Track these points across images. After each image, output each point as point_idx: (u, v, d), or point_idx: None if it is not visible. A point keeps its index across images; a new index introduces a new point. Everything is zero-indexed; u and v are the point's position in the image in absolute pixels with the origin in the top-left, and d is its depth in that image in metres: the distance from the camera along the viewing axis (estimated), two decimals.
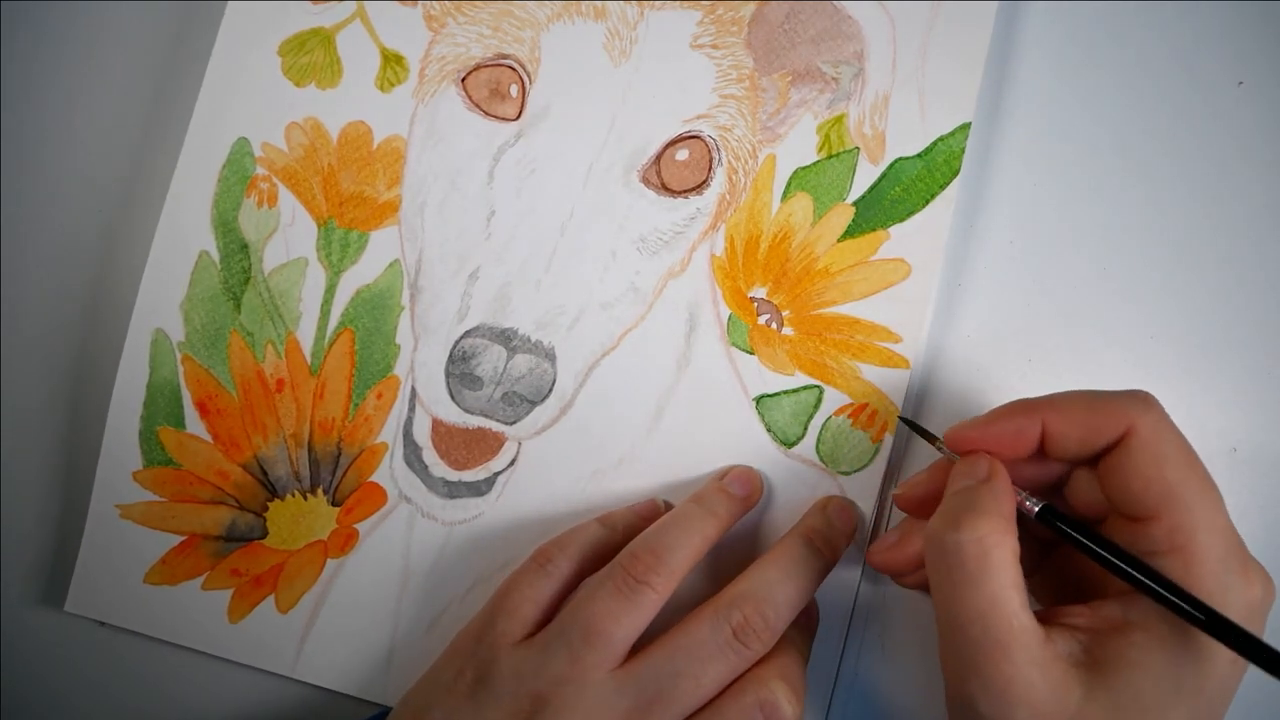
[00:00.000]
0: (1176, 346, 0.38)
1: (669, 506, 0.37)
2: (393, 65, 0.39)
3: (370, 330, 0.38)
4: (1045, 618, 0.29)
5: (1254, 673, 0.28)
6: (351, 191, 0.38)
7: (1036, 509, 0.31)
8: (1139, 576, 0.28)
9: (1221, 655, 0.28)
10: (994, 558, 0.28)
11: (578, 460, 0.38)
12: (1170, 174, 0.38)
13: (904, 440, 0.37)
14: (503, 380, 0.37)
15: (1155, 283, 0.38)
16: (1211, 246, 0.38)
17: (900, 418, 0.37)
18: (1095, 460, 0.31)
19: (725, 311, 0.38)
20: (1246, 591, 0.28)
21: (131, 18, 0.41)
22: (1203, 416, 0.37)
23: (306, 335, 0.38)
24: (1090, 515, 0.32)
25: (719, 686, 0.32)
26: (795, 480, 0.37)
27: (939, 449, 0.34)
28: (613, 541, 0.35)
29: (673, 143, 0.38)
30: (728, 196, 0.38)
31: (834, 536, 0.35)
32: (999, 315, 0.38)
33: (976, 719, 0.28)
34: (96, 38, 0.41)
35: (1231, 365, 0.37)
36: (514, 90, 0.38)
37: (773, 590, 0.33)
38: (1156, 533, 0.29)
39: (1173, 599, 0.28)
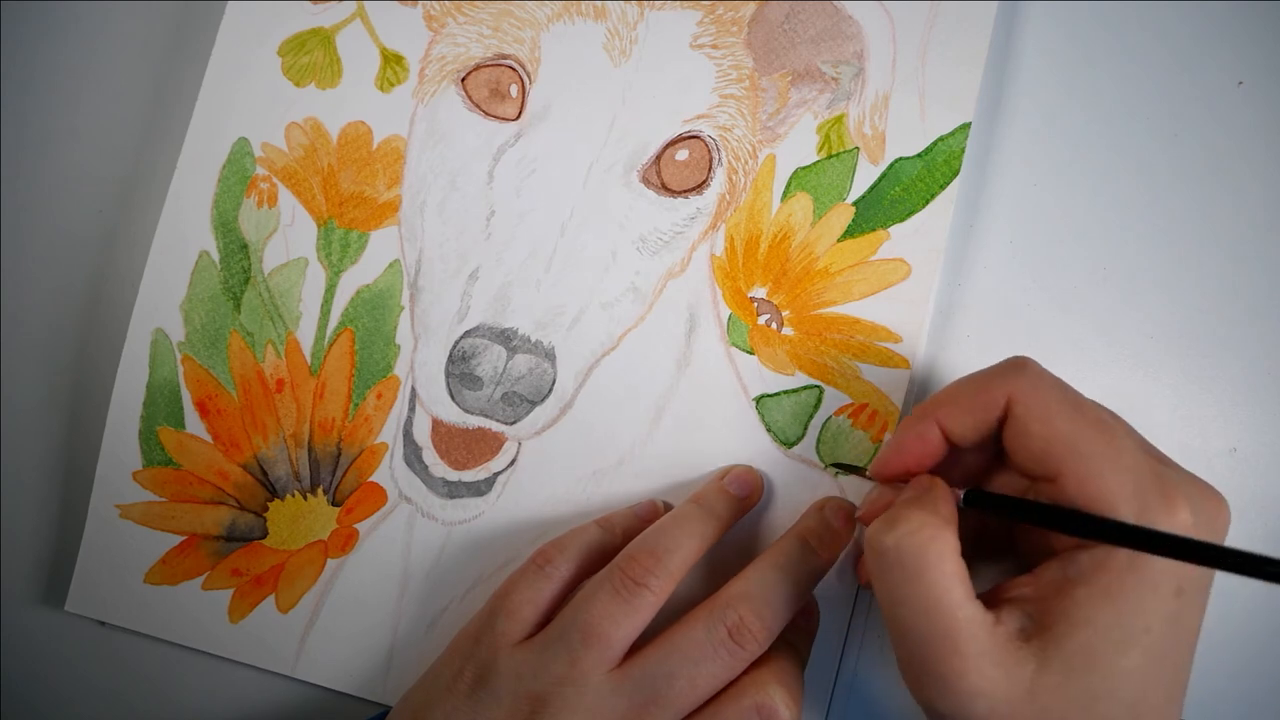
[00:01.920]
0: (1176, 346, 0.38)
1: (668, 507, 0.37)
2: (393, 65, 0.39)
3: (370, 330, 0.38)
4: (992, 597, 0.29)
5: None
6: (351, 191, 0.38)
7: (962, 496, 0.31)
8: (1055, 520, 0.28)
9: (1164, 587, 0.27)
10: (931, 551, 0.28)
11: (578, 460, 0.38)
12: (1170, 174, 0.38)
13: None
14: (503, 380, 0.37)
15: (1155, 283, 0.38)
16: (1211, 246, 0.38)
17: (831, 464, 0.37)
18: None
19: (725, 311, 0.38)
20: (1170, 519, 0.27)
21: (131, 18, 0.41)
22: (1203, 416, 0.37)
23: (306, 335, 0.38)
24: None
25: (715, 687, 0.32)
26: (795, 480, 0.37)
27: (868, 478, 0.34)
28: (612, 543, 0.35)
29: (673, 143, 0.38)
30: (728, 196, 0.38)
31: (831, 538, 0.35)
32: (999, 315, 0.38)
33: (941, 718, 0.28)
34: (96, 38, 0.41)
35: (1231, 365, 0.37)
36: (514, 90, 0.38)
37: (768, 591, 0.33)
38: (1069, 488, 0.28)
39: (1087, 531, 0.27)
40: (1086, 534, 0.28)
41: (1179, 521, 0.27)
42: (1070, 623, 0.28)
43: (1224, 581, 0.29)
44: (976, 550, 0.29)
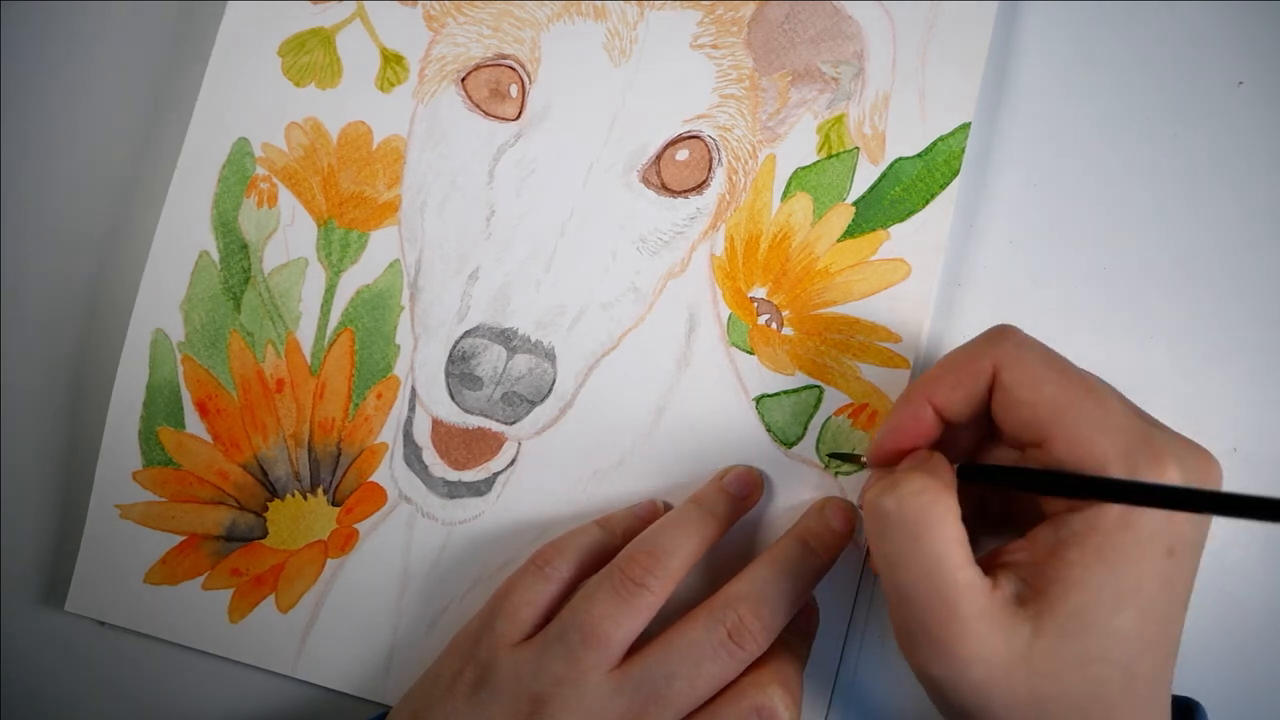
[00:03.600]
0: (1176, 346, 0.38)
1: (668, 507, 0.37)
2: (393, 65, 0.39)
3: (370, 330, 0.38)
4: (986, 563, 0.29)
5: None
6: (351, 191, 0.38)
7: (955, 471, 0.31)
8: (1044, 483, 0.28)
9: (1155, 546, 0.27)
10: (933, 513, 0.28)
11: (578, 460, 0.38)
12: (1170, 174, 0.38)
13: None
14: (503, 380, 0.37)
15: (1155, 283, 0.38)
16: (1211, 247, 0.38)
17: (829, 454, 0.37)
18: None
19: (725, 311, 0.38)
20: (1160, 477, 0.27)
21: (131, 18, 0.41)
22: (1203, 416, 0.37)
23: (306, 335, 0.38)
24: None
25: (715, 687, 0.32)
26: (795, 480, 0.37)
27: (865, 465, 0.34)
28: (611, 544, 0.35)
29: (673, 143, 0.38)
30: (728, 196, 0.38)
31: (830, 538, 0.35)
32: (999, 315, 0.38)
33: (935, 684, 0.28)
34: (96, 38, 0.41)
35: (1231, 365, 0.37)
36: (514, 90, 0.38)
37: (768, 591, 0.33)
38: (1058, 451, 0.28)
39: (1081, 490, 0.27)
40: (1076, 493, 0.28)
41: (1169, 479, 0.27)
42: (1064, 585, 0.28)
43: (1218, 544, 0.28)
44: (974, 527, 0.29)
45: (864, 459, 0.34)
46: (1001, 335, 0.30)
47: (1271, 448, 0.37)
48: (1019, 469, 0.30)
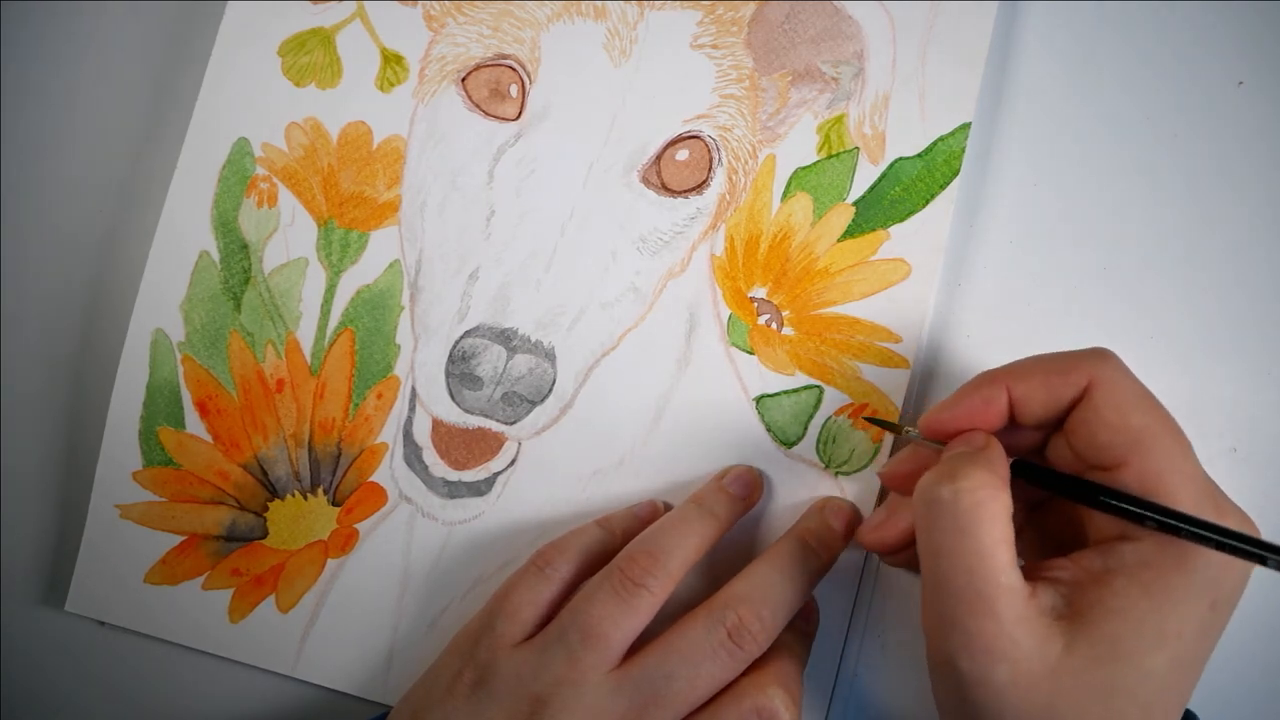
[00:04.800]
0: (1176, 346, 0.37)
1: (668, 507, 0.37)
2: (393, 65, 0.39)
3: (370, 330, 0.38)
4: (1028, 572, 0.29)
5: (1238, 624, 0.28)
6: (351, 191, 0.38)
7: (1010, 464, 0.31)
8: (1120, 504, 0.28)
9: (1203, 597, 0.28)
10: (986, 510, 0.28)
11: (578, 460, 0.38)
12: (1170, 174, 0.38)
13: (904, 440, 0.37)
14: (503, 380, 0.37)
15: (1155, 283, 0.38)
16: (1211, 246, 0.38)
17: (864, 417, 0.37)
18: (1063, 423, 0.31)
19: (725, 311, 0.38)
20: None
21: (131, 18, 0.41)
22: (1203, 416, 0.37)
23: (306, 335, 0.38)
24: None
25: (715, 688, 0.32)
26: (795, 480, 0.37)
27: (908, 435, 0.34)
28: (611, 544, 0.35)
29: (673, 143, 0.38)
30: (728, 196, 0.38)
31: (830, 538, 0.35)
32: (999, 315, 0.38)
33: (957, 677, 0.28)
34: (96, 38, 0.41)
35: (1231, 365, 0.37)
36: (514, 90, 0.38)
37: (768, 592, 0.33)
38: (1128, 479, 0.29)
39: (1155, 516, 0.27)
40: (1146, 519, 0.28)
41: None
42: (1105, 611, 0.28)
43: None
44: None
45: (907, 428, 0.34)
46: (1102, 355, 0.30)
47: (1271, 448, 0.37)
48: (1088, 481, 0.30)
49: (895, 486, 0.34)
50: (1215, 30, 0.38)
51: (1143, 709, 0.27)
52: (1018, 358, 0.31)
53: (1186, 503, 0.28)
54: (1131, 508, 0.28)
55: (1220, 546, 0.27)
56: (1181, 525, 0.27)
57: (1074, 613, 0.28)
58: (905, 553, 0.33)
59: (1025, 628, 0.27)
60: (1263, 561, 0.26)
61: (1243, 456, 0.37)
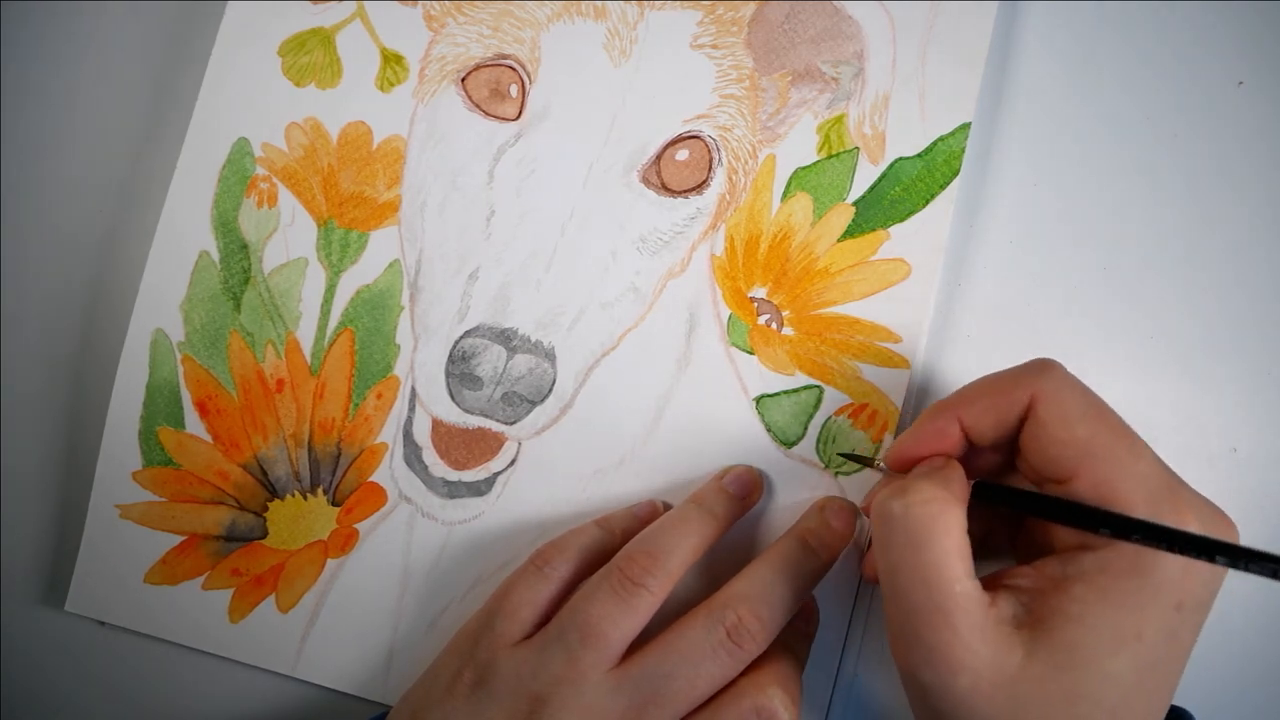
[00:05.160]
0: (1176, 347, 0.38)
1: (668, 507, 0.37)
2: (393, 65, 0.39)
3: (370, 330, 0.38)
4: (990, 582, 0.30)
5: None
6: (351, 191, 0.38)
7: (971, 486, 0.31)
8: (1069, 516, 0.28)
9: (1164, 598, 0.28)
10: (939, 523, 0.28)
11: (578, 460, 0.38)
12: (1170, 174, 0.38)
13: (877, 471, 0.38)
14: (502, 380, 0.37)
15: (1155, 283, 0.38)
16: (1211, 247, 0.38)
17: (839, 453, 0.37)
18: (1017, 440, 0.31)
19: (725, 311, 0.38)
20: (1181, 528, 0.28)
21: (131, 18, 0.41)
22: (1203, 416, 0.37)
23: (306, 335, 0.38)
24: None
25: (714, 687, 0.32)
26: (795, 480, 0.37)
27: (879, 470, 0.34)
28: (610, 544, 0.35)
29: (673, 143, 0.38)
30: (728, 196, 0.38)
31: (830, 538, 0.35)
32: (999, 315, 0.38)
33: (920, 689, 0.28)
34: (96, 38, 0.41)
35: (1231, 365, 0.37)
36: (514, 90, 0.38)
37: (767, 591, 0.33)
38: (1081, 490, 0.29)
39: (1104, 525, 0.27)
40: (1097, 526, 0.28)
41: (1189, 530, 0.28)
42: (1064, 617, 0.28)
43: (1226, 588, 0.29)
44: (977, 550, 0.29)
45: (879, 462, 0.35)
46: (1043, 368, 0.30)
47: (1271, 448, 0.37)
48: (1043, 495, 0.30)
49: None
50: (1215, 30, 0.38)
51: (1109, 713, 0.27)
52: (1018, 358, 0.31)
53: (1140, 506, 0.28)
54: (1080, 518, 0.28)
55: (1170, 548, 0.27)
56: (1131, 531, 0.27)
57: (1034, 620, 0.28)
58: None
59: (983, 637, 0.28)
60: (1211, 559, 0.26)
61: (1243, 456, 0.37)
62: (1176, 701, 0.33)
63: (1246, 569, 0.26)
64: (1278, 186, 0.38)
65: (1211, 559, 0.26)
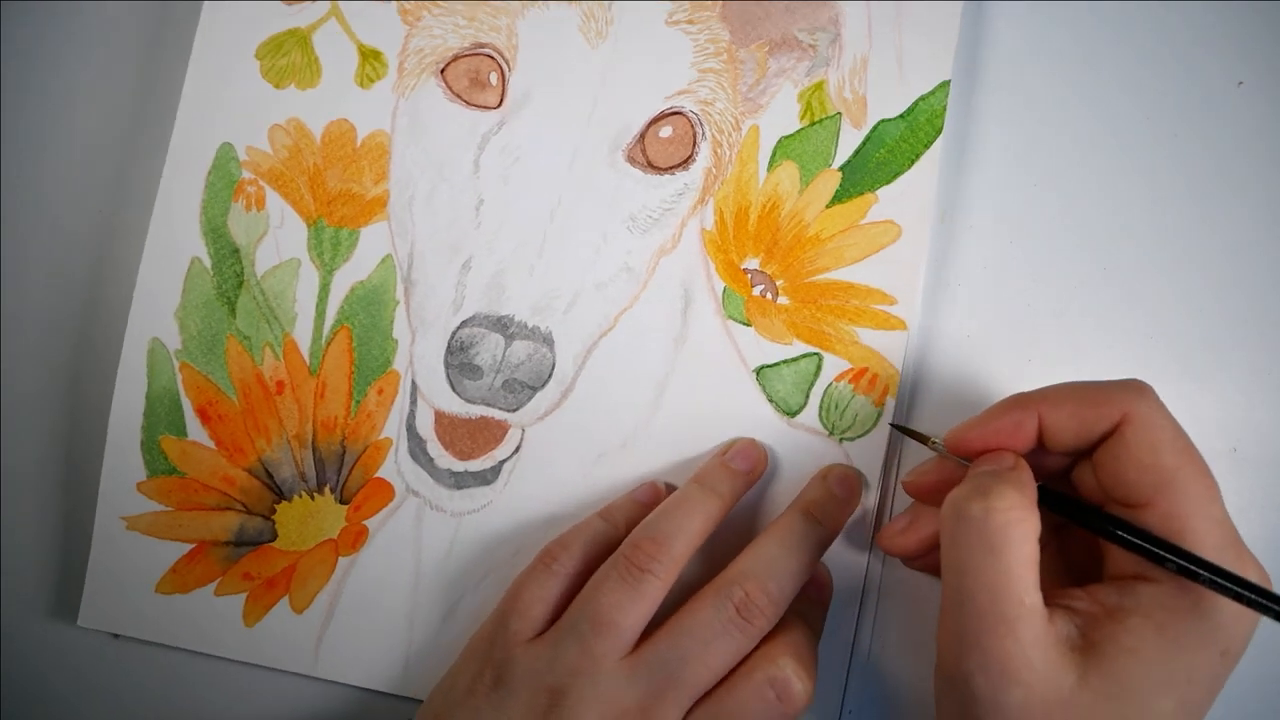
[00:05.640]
0: (1176, 346, 0.37)
1: (670, 488, 0.37)
2: (371, 61, 0.39)
3: (367, 327, 0.38)
4: (1045, 599, 0.29)
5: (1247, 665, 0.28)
6: (338, 189, 0.38)
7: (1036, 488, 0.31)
8: (1142, 543, 0.28)
9: (1215, 645, 0.28)
10: (1016, 531, 0.28)
11: (582, 443, 0.38)
12: (1170, 174, 0.38)
13: (906, 404, 0.38)
14: (502, 368, 0.37)
15: (1155, 282, 0.38)
16: (1211, 246, 0.38)
17: (891, 424, 0.37)
18: (1092, 451, 0.31)
19: (719, 285, 0.38)
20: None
21: (107, 25, 0.40)
22: (1203, 416, 0.37)
23: (303, 335, 0.38)
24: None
25: (729, 665, 0.32)
26: (800, 450, 0.37)
27: (934, 448, 0.34)
28: (615, 534, 0.35)
29: (655, 120, 0.38)
30: (714, 170, 0.38)
31: (834, 507, 0.35)
32: (999, 316, 0.38)
33: (969, 696, 0.28)
34: (73, 52, 0.41)
35: (1231, 365, 0.37)
36: (494, 78, 0.38)
37: (772, 565, 0.33)
38: (1151, 519, 0.29)
39: (1175, 560, 0.28)
40: (1166, 561, 0.28)
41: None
42: (1118, 648, 0.28)
43: None
44: None
45: (935, 441, 0.34)
46: (1140, 391, 0.30)
47: (1271, 448, 0.37)
48: (1117, 518, 0.29)
49: (918, 496, 0.34)
50: (1215, 30, 0.38)
51: None
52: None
53: (1209, 549, 0.28)
54: (1153, 548, 0.28)
55: (1237, 597, 0.27)
56: (1201, 571, 0.27)
57: (1088, 645, 0.28)
58: (925, 559, 0.34)
59: (1043, 654, 0.27)
60: (1277, 617, 0.27)
61: (1243, 456, 0.37)
62: None
63: None
64: (1277, 186, 0.38)
65: (1276, 617, 0.27)
